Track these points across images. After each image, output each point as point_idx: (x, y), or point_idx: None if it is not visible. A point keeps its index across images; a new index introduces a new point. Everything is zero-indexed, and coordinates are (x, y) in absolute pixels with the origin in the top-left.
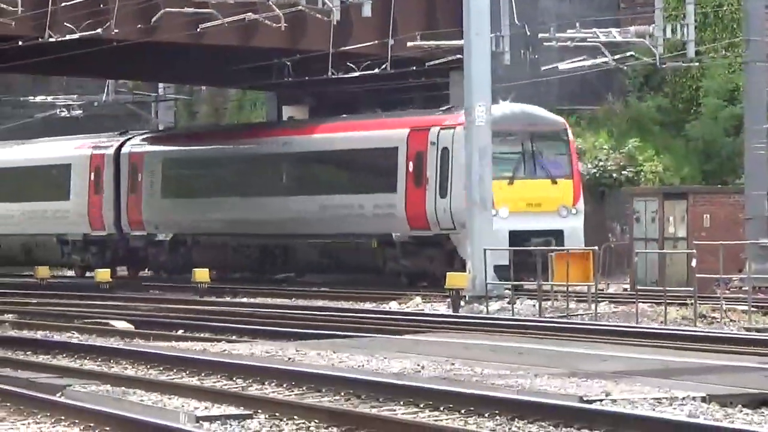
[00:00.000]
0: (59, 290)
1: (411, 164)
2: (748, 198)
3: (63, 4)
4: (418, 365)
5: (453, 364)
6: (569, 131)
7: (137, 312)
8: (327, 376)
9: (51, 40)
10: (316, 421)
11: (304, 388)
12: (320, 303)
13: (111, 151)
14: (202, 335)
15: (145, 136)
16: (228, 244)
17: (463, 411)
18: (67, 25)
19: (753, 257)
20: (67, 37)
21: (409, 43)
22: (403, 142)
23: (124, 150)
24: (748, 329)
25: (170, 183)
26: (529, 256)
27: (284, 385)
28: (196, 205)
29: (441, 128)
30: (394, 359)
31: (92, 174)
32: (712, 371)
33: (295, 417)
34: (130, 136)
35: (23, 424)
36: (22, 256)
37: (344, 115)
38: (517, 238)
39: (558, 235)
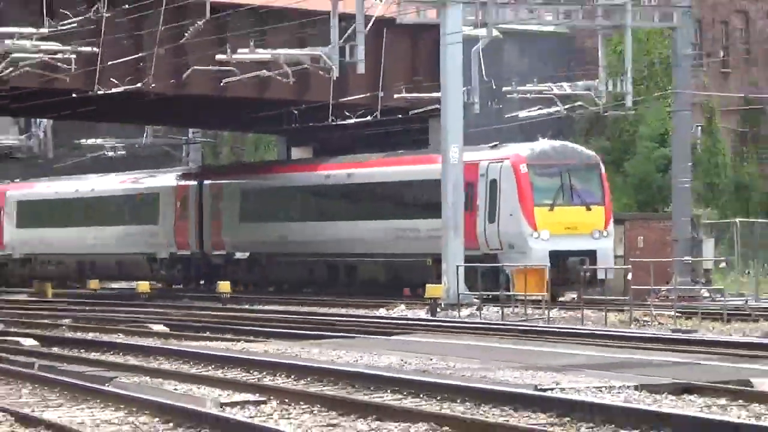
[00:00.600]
0: (107, 299)
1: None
2: (675, 223)
3: (109, 63)
4: (403, 360)
5: (431, 359)
6: (601, 165)
7: (171, 317)
8: (327, 369)
9: (99, 92)
10: (318, 406)
11: (308, 379)
12: (323, 310)
13: (195, 181)
14: (225, 336)
15: (224, 169)
16: (300, 263)
17: (438, 398)
18: (113, 80)
19: (678, 272)
20: (113, 90)
21: (396, 95)
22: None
23: (206, 181)
24: (674, 330)
25: (247, 209)
26: (566, 271)
27: (292, 377)
28: (271, 229)
29: (490, 162)
30: (383, 355)
31: (178, 202)
32: (644, 365)
33: (301, 403)
34: (210, 169)
35: (78, 409)
36: (116, 272)
37: (401, 151)
38: (556, 257)
39: (592, 255)
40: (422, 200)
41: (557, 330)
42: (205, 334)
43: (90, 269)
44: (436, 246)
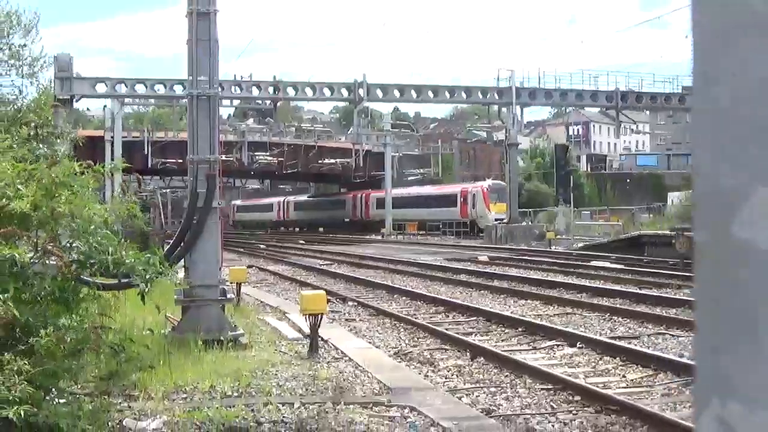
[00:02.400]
0: (292, 233)
1: (461, 199)
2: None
3: (287, 163)
4: (374, 252)
5: (384, 251)
6: (507, 188)
7: (314, 239)
8: (351, 254)
9: (284, 172)
10: (348, 265)
11: (344, 257)
12: (347, 236)
13: (359, 194)
14: (326, 244)
15: (375, 192)
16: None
17: (384, 263)
18: (286, 170)
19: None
20: (285, 171)
21: (371, 173)
22: (459, 192)
23: (362, 194)
24: (456, 240)
25: (377, 204)
26: (499, 226)
27: (341, 256)
28: (386, 210)
29: (473, 188)
30: (368, 249)
31: (352, 200)
32: (445, 252)
33: (344, 264)
34: (364, 192)
35: (274, 267)
36: (326, 225)
37: (441, 184)
38: (495, 220)
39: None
40: (447, 201)
41: (422, 242)
42: (315, 244)
43: (318, 224)
44: (451, 216)
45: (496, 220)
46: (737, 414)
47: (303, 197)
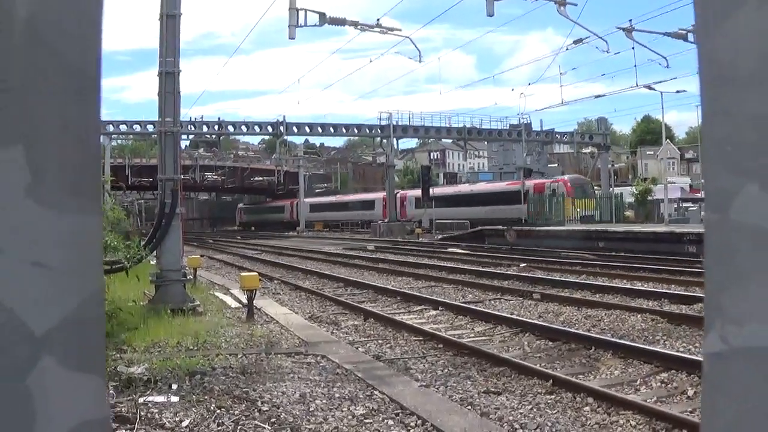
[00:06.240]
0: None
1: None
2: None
3: (228, 180)
4: (292, 244)
5: (298, 244)
6: (590, 181)
7: (245, 235)
8: (273, 245)
9: (225, 186)
10: (273, 254)
11: (272, 249)
12: (273, 233)
13: (400, 195)
14: (257, 239)
15: (406, 190)
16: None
17: (300, 252)
18: (224, 183)
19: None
20: (232, 186)
21: (290, 187)
22: (531, 188)
23: (397, 194)
24: (351, 234)
25: (409, 204)
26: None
27: (267, 248)
28: (419, 211)
29: (550, 183)
30: (288, 242)
31: (383, 203)
32: (343, 243)
33: (270, 253)
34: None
35: (222, 255)
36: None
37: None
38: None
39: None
40: (511, 198)
41: (326, 236)
42: (250, 239)
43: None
44: (516, 214)
45: (581, 217)
46: (732, 331)
47: (325, 199)
